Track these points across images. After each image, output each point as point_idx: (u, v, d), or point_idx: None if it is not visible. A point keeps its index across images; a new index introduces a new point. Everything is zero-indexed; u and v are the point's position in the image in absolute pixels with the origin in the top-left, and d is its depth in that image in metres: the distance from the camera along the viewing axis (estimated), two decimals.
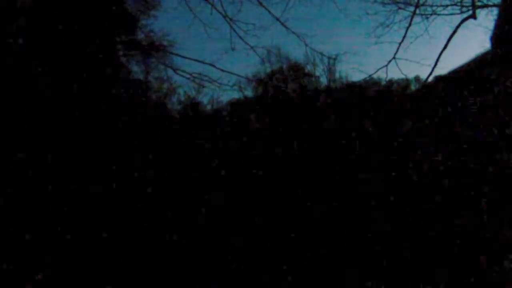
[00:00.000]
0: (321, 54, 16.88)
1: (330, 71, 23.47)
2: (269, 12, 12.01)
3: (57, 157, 8.58)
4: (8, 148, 8.15)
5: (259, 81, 22.96)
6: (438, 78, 10.49)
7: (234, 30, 12.13)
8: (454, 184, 8.79)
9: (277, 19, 12.08)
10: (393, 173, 9.66)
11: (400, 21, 12.93)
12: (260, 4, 12.02)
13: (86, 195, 8.33)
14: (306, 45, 12.61)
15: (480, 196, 8.26)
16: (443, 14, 12.71)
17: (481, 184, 8.38)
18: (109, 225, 8.08)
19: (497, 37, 9.18)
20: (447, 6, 12.56)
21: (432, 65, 11.58)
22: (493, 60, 8.99)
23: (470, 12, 11.00)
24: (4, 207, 7.53)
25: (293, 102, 20.40)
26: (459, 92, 9.30)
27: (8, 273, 6.99)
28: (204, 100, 23.08)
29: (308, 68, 23.58)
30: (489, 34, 9.99)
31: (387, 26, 13.21)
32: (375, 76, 14.82)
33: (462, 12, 12.24)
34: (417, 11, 12.25)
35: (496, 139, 8.59)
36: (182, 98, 22.63)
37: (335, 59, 16.45)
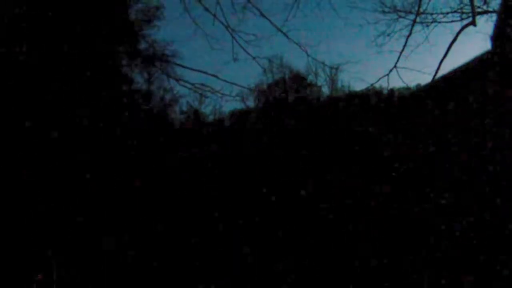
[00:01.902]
0: (323, 64, 16.97)
1: (332, 80, 23.56)
2: (271, 22, 12.08)
3: (58, 161, 8.61)
4: (10, 149, 8.17)
5: (261, 92, 23.06)
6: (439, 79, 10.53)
7: (236, 41, 12.18)
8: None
9: (279, 29, 12.14)
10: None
11: (400, 29, 12.94)
12: (262, 14, 12.09)
13: (87, 197, 8.33)
14: (308, 55, 12.63)
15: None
16: (443, 22, 12.77)
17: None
18: (109, 226, 8.08)
19: (497, 37, 9.26)
20: (447, 13, 12.61)
21: (433, 73, 11.59)
22: (493, 60, 9.05)
23: (470, 19, 11.03)
24: (4, 208, 7.53)
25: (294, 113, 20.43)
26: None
27: (9, 273, 6.96)
28: (207, 110, 23.08)
29: (310, 78, 23.68)
30: (489, 40, 10.05)
31: (388, 35, 13.23)
32: (376, 85, 14.82)
33: (462, 19, 12.28)
34: (418, 19, 12.28)
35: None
36: (185, 108, 22.74)
37: (336, 68, 16.47)
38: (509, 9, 9.12)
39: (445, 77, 10.23)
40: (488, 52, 9.50)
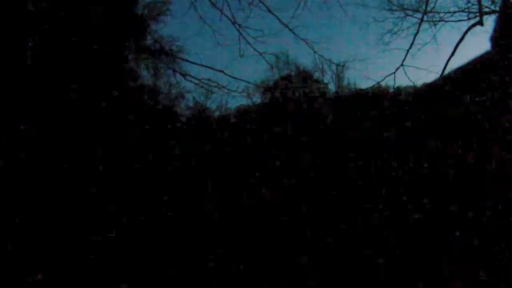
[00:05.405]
0: (330, 61, 16.85)
1: (339, 78, 23.46)
2: (278, 18, 12.05)
3: (58, 158, 8.69)
4: (10, 148, 8.27)
5: (267, 88, 22.96)
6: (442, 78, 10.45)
7: (243, 37, 12.19)
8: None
9: (286, 25, 12.12)
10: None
11: (408, 28, 12.94)
12: (269, 10, 12.06)
13: (87, 196, 8.42)
14: (315, 52, 12.61)
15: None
16: (450, 21, 12.70)
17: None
18: (109, 226, 8.16)
19: (496, 38, 9.19)
20: (454, 12, 12.55)
21: (440, 72, 11.51)
22: (493, 60, 8.99)
23: (478, 19, 10.94)
24: (4, 207, 7.63)
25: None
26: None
27: (9, 273, 7.06)
28: (213, 106, 23.09)
29: (317, 75, 23.57)
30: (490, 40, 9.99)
31: (395, 33, 13.23)
32: (383, 83, 14.72)
33: (469, 19, 12.22)
34: (425, 18, 12.23)
35: None
36: (191, 104, 22.75)
37: (343, 66, 16.41)
38: (509, 8, 9.05)
39: (445, 77, 10.18)
40: (488, 52, 9.45)
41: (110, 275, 7.74)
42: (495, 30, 9.48)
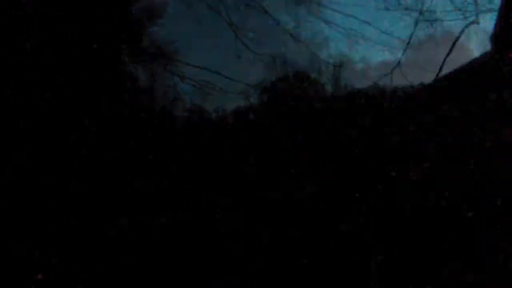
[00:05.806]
0: (326, 61, 16.82)
1: (335, 78, 23.44)
2: (275, 19, 12.10)
3: (58, 158, 8.69)
4: (9, 148, 8.27)
5: (265, 89, 22.96)
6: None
7: (239, 38, 12.24)
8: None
9: (283, 27, 12.16)
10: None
11: (404, 27, 13.02)
12: (265, 11, 12.12)
13: (87, 196, 8.41)
14: (312, 52, 12.66)
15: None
16: (446, 20, 12.76)
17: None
18: (109, 226, 8.15)
19: (497, 37, 9.26)
20: (450, 11, 12.59)
21: (437, 71, 11.60)
22: (493, 60, 9.05)
23: (474, 18, 11.04)
24: (5, 207, 7.62)
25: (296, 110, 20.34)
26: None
27: (8, 273, 7.03)
28: (210, 107, 23.04)
29: (314, 75, 23.50)
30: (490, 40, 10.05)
31: (391, 33, 13.30)
32: (380, 83, 14.75)
33: (465, 17, 12.26)
34: (421, 17, 12.33)
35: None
36: (188, 106, 22.68)
37: (340, 66, 16.40)
38: (509, 7, 9.11)
39: (445, 77, 10.24)
40: (488, 52, 9.51)
41: (110, 275, 7.73)
42: (495, 28, 9.55)
